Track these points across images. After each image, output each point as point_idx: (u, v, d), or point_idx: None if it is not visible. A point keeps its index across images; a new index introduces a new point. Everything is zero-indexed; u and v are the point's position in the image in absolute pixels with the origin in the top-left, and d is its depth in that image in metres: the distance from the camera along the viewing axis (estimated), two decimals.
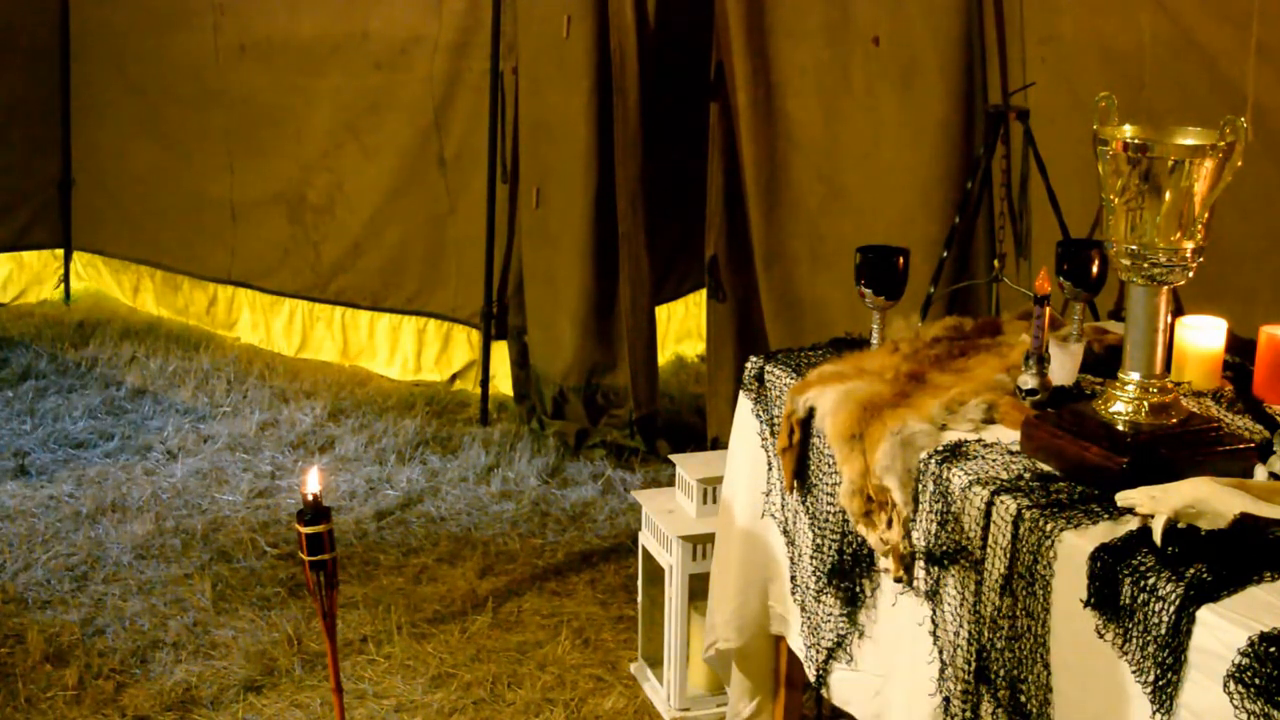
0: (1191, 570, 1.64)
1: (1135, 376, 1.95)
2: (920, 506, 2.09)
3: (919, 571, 2.10)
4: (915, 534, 2.11)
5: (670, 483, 3.29)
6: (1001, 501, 1.90)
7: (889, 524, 2.14)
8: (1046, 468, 1.99)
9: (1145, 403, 1.93)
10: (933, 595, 2.06)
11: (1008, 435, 2.12)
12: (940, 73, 3.86)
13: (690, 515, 3.09)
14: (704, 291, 4.67)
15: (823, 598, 2.37)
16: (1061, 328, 2.47)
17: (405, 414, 5.01)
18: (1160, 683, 1.60)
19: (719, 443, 4.19)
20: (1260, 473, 1.88)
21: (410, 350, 5.51)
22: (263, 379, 5.43)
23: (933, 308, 3.52)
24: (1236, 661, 1.50)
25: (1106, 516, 1.80)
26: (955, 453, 2.06)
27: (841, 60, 4.04)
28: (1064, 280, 2.44)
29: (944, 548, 2.02)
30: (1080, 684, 1.76)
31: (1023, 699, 1.86)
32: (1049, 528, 1.80)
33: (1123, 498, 1.79)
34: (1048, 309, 2.19)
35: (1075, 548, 1.76)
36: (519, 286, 4.96)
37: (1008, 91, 3.66)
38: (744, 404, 2.61)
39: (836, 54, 4.05)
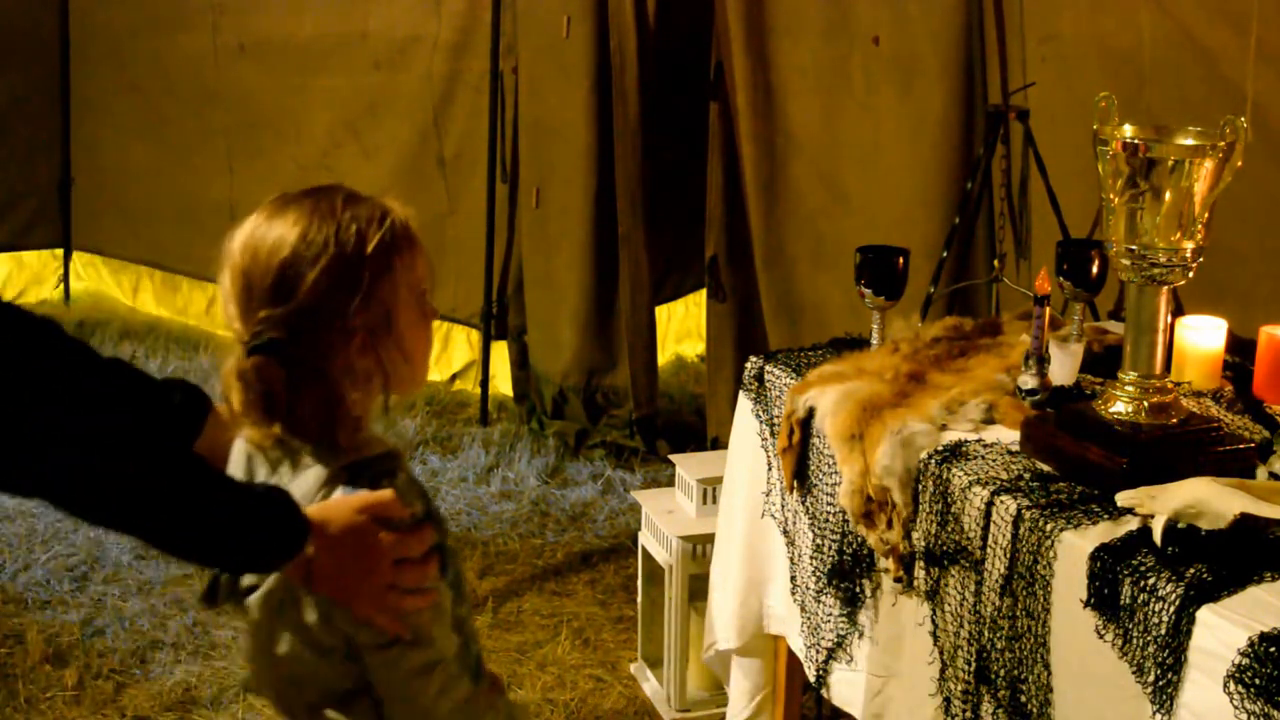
0: (1191, 570, 1.63)
1: (1135, 376, 1.95)
2: (920, 506, 2.09)
3: (919, 571, 2.10)
4: (915, 534, 2.11)
5: (670, 483, 3.29)
6: (1001, 501, 1.90)
7: (889, 524, 2.14)
8: (1046, 468, 1.99)
9: (1145, 403, 1.93)
10: (933, 595, 2.06)
11: (1008, 435, 2.12)
12: (940, 73, 3.87)
13: (690, 515, 3.09)
14: (704, 291, 4.67)
15: (823, 598, 2.37)
16: (1061, 328, 2.47)
17: (405, 414, 5.00)
18: (1160, 683, 1.60)
19: (719, 443, 4.19)
20: (1260, 473, 1.88)
21: None
22: None
23: (933, 308, 3.52)
24: (1236, 661, 1.50)
25: (1106, 516, 1.80)
26: (955, 453, 2.06)
27: (841, 60, 4.04)
28: (1064, 280, 2.44)
29: (944, 548, 2.02)
30: (1080, 684, 1.76)
31: (1023, 699, 1.86)
32: (1049, 528, 1.80)
33: (1123, 498, 1.79)
34: (1048, 309, 2.19)
35: (1075, 548, 1.76)
36: (519, 286, 4.96)
37: (1008, 91, 3.66)
38: (744, 404, 2.61)
39: (836, 54, 4.05)
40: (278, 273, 1.45)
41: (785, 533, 2.50)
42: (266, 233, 1.48)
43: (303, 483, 1.47)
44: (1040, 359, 2.19)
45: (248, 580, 1.52)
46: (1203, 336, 2.32)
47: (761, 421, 2.55)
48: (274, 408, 1.46)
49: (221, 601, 1.56)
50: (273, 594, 1.51)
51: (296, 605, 1.50)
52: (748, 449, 2.60)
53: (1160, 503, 1.71)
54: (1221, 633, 1.54)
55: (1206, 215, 1.86)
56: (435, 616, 1.51)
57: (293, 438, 1.49)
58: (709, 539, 2.93)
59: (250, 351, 1.46)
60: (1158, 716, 1.61)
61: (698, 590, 3.00)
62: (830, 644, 2.36)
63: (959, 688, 1.99)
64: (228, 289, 1.49)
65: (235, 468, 1.55)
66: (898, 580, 2.14)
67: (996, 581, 1.90)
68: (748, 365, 2.60)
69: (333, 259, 1.44)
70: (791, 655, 2.58)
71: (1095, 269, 2.42)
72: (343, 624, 1.48)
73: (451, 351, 5.42)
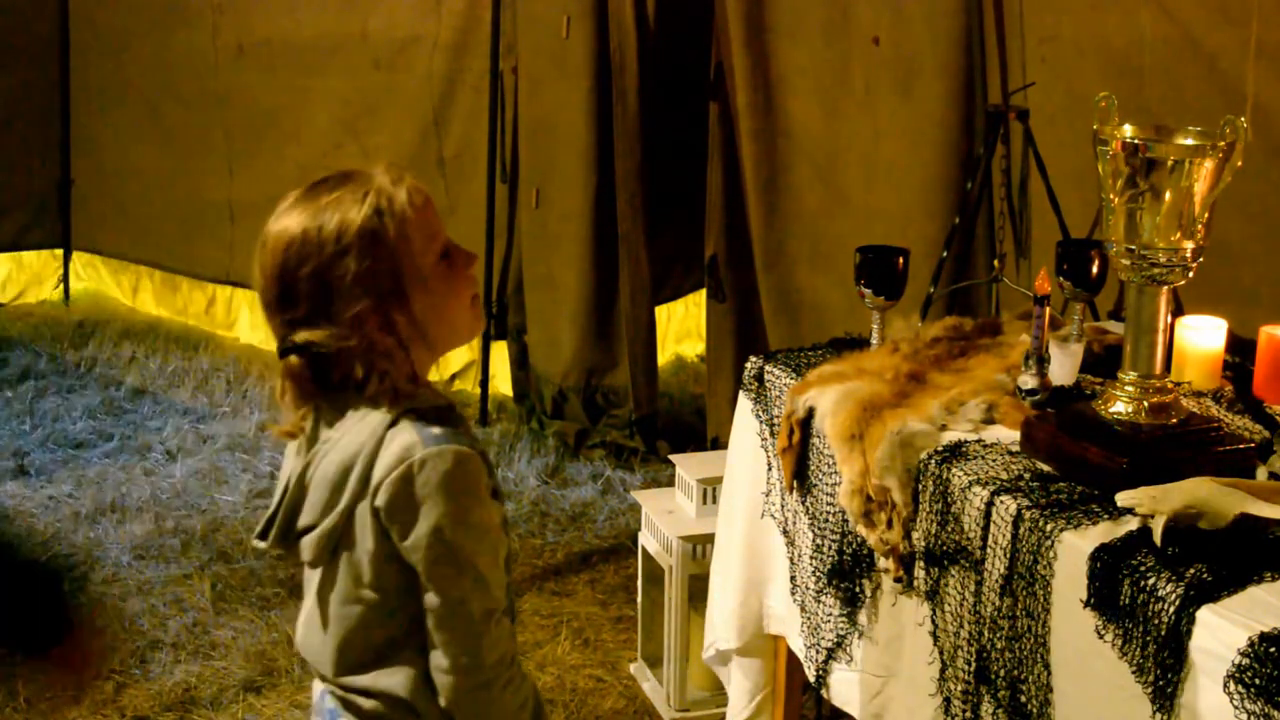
0: (1191, 570, 1.63)
1: (1135, 376, 1.95)
2: (920, 506, 2.09)
3: (919, 571, 2.10)
4: (915, 534, 2.11)
5: (670, 483, 3.29)
6: (1001, 501, 1.89)
7: (889, 524, 2.14)
8: (1046, 468, 1.98)
9: (1145, 403, 1.93)
10: (933, 595, 2.06)
11: (1008, 435, 2.11)
12: (940, 73, 3.86)
13: (690, 515, 3.09)
14: (704, 291, 4.67)
15: (823, 598, 2.37)
16: (1061, 328, 2.47)
17: None
18: (1160, 683, 1.60)
19: (719, 443, 4.18)
20: (1260, 473, 1.88)
21: None
22: (262, 379, 5.42)
23: (933, 308, 3.52)
24: (1236, 661, 1.50)
25: (1106, 516, 1.80)
26: (955, 453, 2.06)
27: (841, 60, 4.04)
28: (1064, 280, 2.44)
29: (944, 548, 2.02)
30: (1080, 684, 1.76)
31: (1023, 699, 1.86)
32: (1049, 528, 1.80)
33: (1123, 498, 1.79)
34: (1048, 309, 2.19)
35: (1075, 548, 1.76)
36: (518, 286, 4.96)
37: (1008, 91, 3.66)
38: (744, 404, 2.61)
39: (836, 54, 4.05)
40: (278, 282, 1.56)
41: (785, 533, 2.50)
42: (267, 242, 1.57)
43: (369, 423, 1.55)
44: (1040, 359, 2.19)
45: (304, 520, 1.59)
46: (1203, 336, 2.32)
47: (761, 421, 2.55)
48: (307, 397, 1.59)
49: (274, 541, 1.64)
50: (328, 534, 1.57)
51: (352, 546, 1.56)
52: (748, 449, 2.60)
53: (1160, 503, 1.71)
54: (1221, 633, 1.54)
55: (1206, 215, 1.86)
56: (495, 563, 1.57)
57: (333, 398, 1.58)
58: (709, 539, 2.93)
59: (280, 355, 1.57)
60: (1158, 716, 1.61)
61: (698, 590, 3.00)
62: (830, 644, 2.36)
63: (959, 688, 1.99)
64: (257, 294, 1.61)
65: (291, 449, 1.65)
66: (898, 580, 2.14)
67: (996, 581, 1.90)
68: (748, 365, 2.60)
69: (316, 260, 1.53)
70: (791, 655, 2.58)
71: (1095, 269, 2.42)
72: (409, 555, 1.53)
73: (450, 351, 5.41)
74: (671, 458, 3.24)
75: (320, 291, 1.53)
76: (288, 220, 1.56)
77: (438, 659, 1.56)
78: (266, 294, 1.57)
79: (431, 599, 1.54)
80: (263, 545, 1.66)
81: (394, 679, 1.59)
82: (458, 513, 1.52)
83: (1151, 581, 1.64)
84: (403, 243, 1.55)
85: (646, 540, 3.18)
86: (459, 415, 1.62)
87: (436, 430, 1.54)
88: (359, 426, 1.55)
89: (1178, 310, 2.32)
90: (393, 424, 1.54)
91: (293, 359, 1.55)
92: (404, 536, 1.52)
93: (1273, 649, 1.48)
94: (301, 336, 1.54)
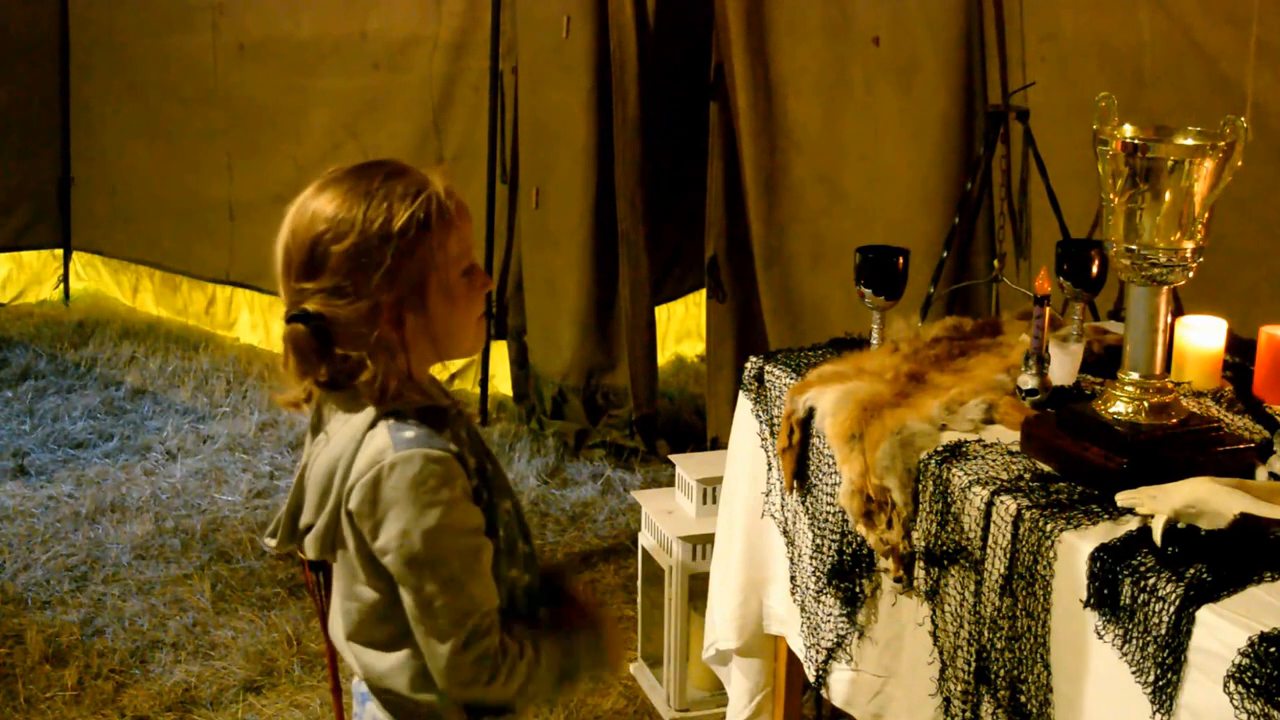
0: (1191, 570, 1.63)
1: (1135, 376, 1.95)
2: (920, 506, 2.09)
3: (919, 571, 2.10)
4: (915, 534, 2.11)
5: (670, 483, 3.28)
6: (1001, 501, 1.89)
7: (889, 524, 2.14)
8: (1046, 468, 1.98)
9: (1145, 403, 1.93)
10: (933, 595, 2.06)
11: (1008, 435, 2.11)
12: (940, 73, 3.87)
13: (690, 515, 3.09)
14: (704, 291, 4.67)
15: (822, 598, 2.36)
16: (1061, 328, 2.47)
17: None
18: (1160, 683, 1.60)
19: (719, 443, 4.19)
20: (1260, 473, 1.88)
21: None
22: (262, 379, 5.42)
23: (933, 308, 3.52)
24: (1236, 661, 1.50)
25: (1106, 516, 1.80)
26: (955, 453, 2.06)
27: (841, 60, 4.04)
28: (1064, 280, 2.44)
29: (944, 548, 2.02)
30: (1080, 684, 1.76)
31: (1023, 699, 1.86)
32: (1049, 528, 1.80)
33: (1123, 498, 1.79)
34: (1048, 309, 2.19)
35: (1075, 548, 1.76)
36: (518, 286, 4.96)
37: (1008, 91, 3.67)
38: (744, 404, 2.61)
39: (836, 54, 4.05)
40: (309, 249, 1.55)
41: (785, 533, 2.50)
42: (306, 209, 1.57)
43: (353, 425, 1.56)
44: (1040, 359, 2.19)
45: (305, 520, 1.61)
46: (1203, 336, 2.31)
47: (761, 421, 2.55)
48: (308, 369, 1.58)
49: (281, 540, 1.67)
50: (324, 534, 1.59)
51: (345, 546, 1.58)
52: (748, 449, 2.60)
53: (1160, 503, 1.71)
54: (1221, 633, 1.54)
55: (1206, 215, 1.86)
56: (470, 565, 1.55)
57: (329, 393, 1.59)
58: (709, 539, 2.93)
59: (287, 320, 1.57)
60: (1158, 716, 1.61)
61: (698, 590, 3.00)
62: (830, 644, 2.36)
63: (959, 688, 1.99)
64: (276, 258, 1.59)
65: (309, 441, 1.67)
66: (898, 580, 2.14)
67: (996, 581, 1.90)
68: (748, 365, 2.60)
69: (357, 238, 1.53)
70: (791, 655, 2.58)
71: (1095, 269, 2.42)
72: (381, 558, 1.54)
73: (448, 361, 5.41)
74: (671, 458, 3.23)
75: (346, 271, 1.53)
76: (334, 194, 1.56)
77: (425, 655, 1.58)
78: (290, 257, 1.56)
79: (406, 600, 1.55)
80: (272, 543, 1.68)
81: (401, 678, 1.61)
82: (425, 516, 1.51)
83: (1151, 581, 1.64)
84: (440, 251, 1.56)
85: (646, 540, 3.18)
86: (456, 415, 1.62)
87: (410, 433, 1.53)
88: (344, 429, 1.56)
89: (1178, 310, 2.32)
90: (371, 426, 1.54)
91: (299, 326, 1.54)
92: (374, 539, 1.53)
93: (1273, 649, 1.48)
94: (314, 306, 1.54)
